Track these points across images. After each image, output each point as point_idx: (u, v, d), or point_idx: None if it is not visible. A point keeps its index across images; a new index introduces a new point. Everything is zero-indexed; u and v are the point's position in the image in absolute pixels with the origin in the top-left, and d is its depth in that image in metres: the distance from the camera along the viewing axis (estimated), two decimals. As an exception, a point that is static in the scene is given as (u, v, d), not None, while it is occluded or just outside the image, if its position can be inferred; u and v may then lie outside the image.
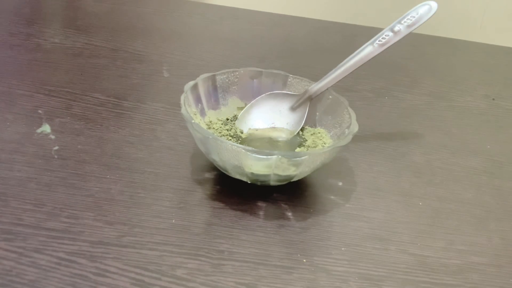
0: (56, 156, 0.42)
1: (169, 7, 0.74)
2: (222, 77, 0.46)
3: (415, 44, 0.72)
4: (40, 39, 0.60)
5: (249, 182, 0.41)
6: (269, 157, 0.38)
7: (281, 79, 0.47)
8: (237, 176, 0.41)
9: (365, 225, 0.40)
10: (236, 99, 0.47)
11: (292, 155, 0.39)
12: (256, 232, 0.38)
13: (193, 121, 0.39)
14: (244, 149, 0.37)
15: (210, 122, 0.45)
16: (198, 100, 0.45)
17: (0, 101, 0.48)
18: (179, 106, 0.41)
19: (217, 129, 0.45)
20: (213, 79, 0.46)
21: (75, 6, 0.71)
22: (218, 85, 0.46)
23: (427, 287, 0.36)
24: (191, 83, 0.44)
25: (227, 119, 0.47)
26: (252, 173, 0.39)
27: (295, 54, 0.66)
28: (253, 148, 0.37)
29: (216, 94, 0.46)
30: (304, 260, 0.37)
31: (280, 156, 0.37)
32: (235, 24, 0.72)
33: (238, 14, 0.75)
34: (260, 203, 0.41)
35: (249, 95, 0.47)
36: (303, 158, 0.38)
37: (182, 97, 0.42)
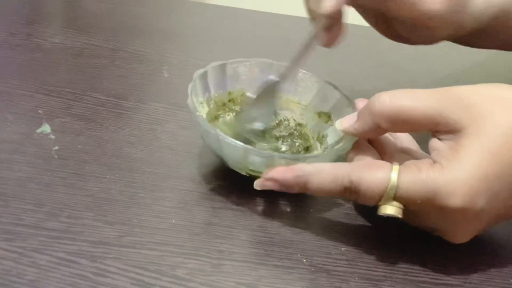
0: (56, 156, 0.42)
1: (169, 7, 0.74)
2: (233, 66, 0.45)
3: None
4: (40, 39, 0.60)
5: (248, 176, 0.41)
6: (269, 157, 0.38)
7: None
8: (238, 170, 0.41)
9: (365, 225, 0.40)
10: (244, 89, 0.46)
11: (292, 157, 0.39)
12: (256, 232, 0.38)
13: (198, 113, 0.39)
14: (244, 148, 0.37)
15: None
16: (206, 89, 0.44)
17: (0, 101, 0.48)
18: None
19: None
20: (223, 67, 0.45)
21: (75, 6, 0.71)
22: (228, 75, 0.45)
23: (427, 287, 0.36)
24: (201, 71, 0.43)
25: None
26: (252, 170, 0.39)
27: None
28: (254, 148, 0.37)
29: (225, 83, 0.45)
30: (304, 260, 0.37)
31: (280, 157, 0.37)
32: (235, 24, 0.72)
33: (238, 14, 0.75)
34: (260, 203, 0.41)
35: (257, 86, 0.46)
36: (303, 160, 0.38)
37: (189, 86, 0.41)
